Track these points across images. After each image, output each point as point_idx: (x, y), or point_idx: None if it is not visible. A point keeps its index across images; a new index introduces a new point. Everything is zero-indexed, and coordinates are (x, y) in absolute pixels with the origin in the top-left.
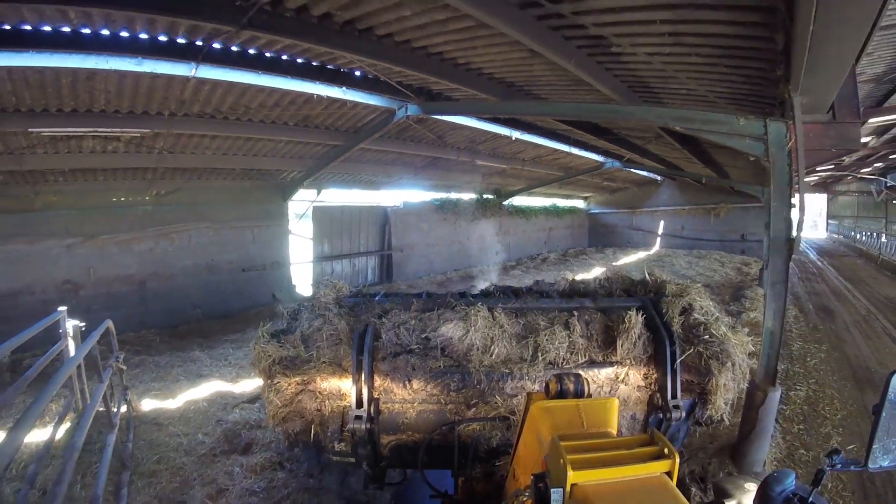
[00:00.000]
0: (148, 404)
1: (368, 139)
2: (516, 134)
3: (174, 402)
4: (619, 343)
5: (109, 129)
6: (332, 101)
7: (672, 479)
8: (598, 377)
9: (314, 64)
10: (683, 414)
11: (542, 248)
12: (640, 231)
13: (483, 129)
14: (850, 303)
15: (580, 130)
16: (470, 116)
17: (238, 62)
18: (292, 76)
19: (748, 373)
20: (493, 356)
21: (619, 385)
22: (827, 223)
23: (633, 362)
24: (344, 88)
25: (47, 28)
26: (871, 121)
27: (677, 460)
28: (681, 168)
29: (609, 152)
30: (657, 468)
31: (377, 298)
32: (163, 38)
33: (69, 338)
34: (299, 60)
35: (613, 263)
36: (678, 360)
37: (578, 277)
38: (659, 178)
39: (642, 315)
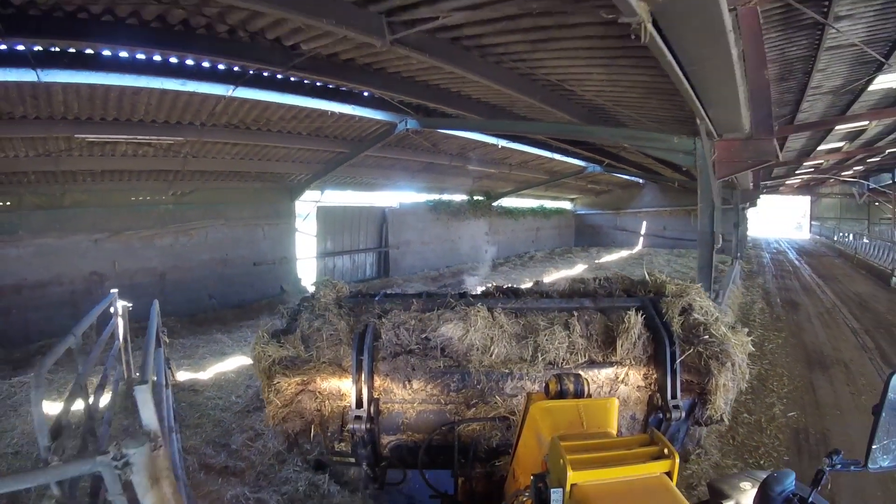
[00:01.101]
0: (182, 376)
1: (372, 147)
2: (503, 143)
3: (205, 374)
4: (618, 343)
5: (146, 137)
6: (343, 115)
7: (672, 479)
8: (597, 377)
9: (330, 86)
10: (683, 414)
11: (529, 247)
12: (624, 231)
13: (473, 138)
14: (818, 298)
15: (557, 141)
16: (461, 130)
17: (269, 85)
18: (312, 96)
19: (747, 373)
20: (493, 356)
21: (618, 385)
22: (811, 224)
23: (633, 362)
24: (353, 106)
25: (107, 52)
26: (838, 127)
27: (677, 460)
28: (658, 172)
29: (590, 157)
30: (657, 468)
31: (377, 299)
32: (206, 65)
33: (119, 317)
34: (318, 83)
35: (596, 261)
36: (678, 361)
37: (563, 274)
38: (641, 181)
39: (642, 315)
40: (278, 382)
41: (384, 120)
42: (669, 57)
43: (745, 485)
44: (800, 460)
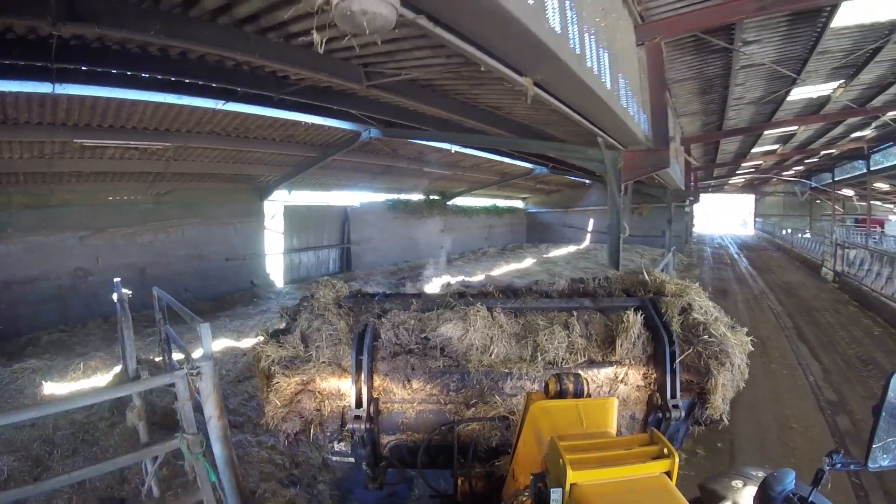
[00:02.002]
0: (175, 356)
1: (339, 153)
2: (456, 148)
3: (195, 354)
4: (618, 343)
5: (138, 143)
6: (314, 124)
7: (672, 479)
8: (597, 377)
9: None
10: (683, 414)
11: (483, 244)
12: (572, 228)
13: (429, 144)
14: (749, 286)
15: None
16: (418, 139)
17: (255, 100)
18: (292, 110)
19: (746, 372)
20: (493, 356)
21: (618, 385)
22: (755, 221)
23: (633, 362)
24: (325, 118)
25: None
26: (767, 133)
27: (676, 460)
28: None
29: (536, 160)
30: (657, 468)
31: (377, 298)
32: (201, 82)
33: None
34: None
35: (545, 256)
36: (677, 360)
37: (513, 268)
38: (587, 181)
39: (641, 315)
40: (277, 382)
41: (350, 129)
42: (558, 104)
43: (737, 483)
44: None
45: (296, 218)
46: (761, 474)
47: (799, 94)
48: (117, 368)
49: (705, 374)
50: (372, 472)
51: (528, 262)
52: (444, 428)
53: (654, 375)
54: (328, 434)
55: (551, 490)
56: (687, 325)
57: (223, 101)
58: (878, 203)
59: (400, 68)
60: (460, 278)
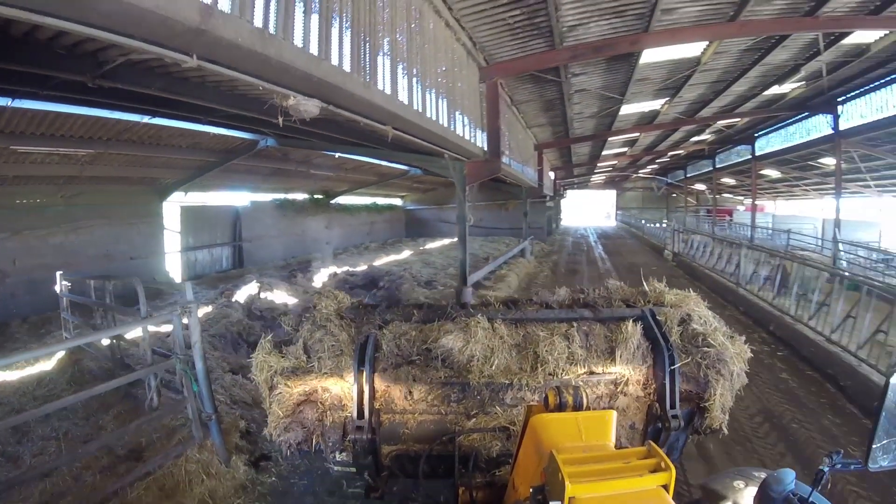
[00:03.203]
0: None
1: (237, 158)
2: (338, 154)
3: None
4: (617, 353)
5: (68, 149)
6: (219, 134)
7: (669, 492)
8: (597, 388)
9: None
10: (682, 423)
11: (365, 239)
12: (447, 223)
13: (314, 150)
14: (598, 267)
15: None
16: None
17: (177, 117)
18: (206, 124)
19: (745, 379)
20: (493, 367)
21: (618, 395)
22: (617, 214)
23: (632, 373)
24: (230, 130)
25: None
26: (612, 139)
27: (674, 473)
28: None
29: (409, 163)
30: (654, 481)
31: (378, 310)
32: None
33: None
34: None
35: (421, 248)
36: (677, 370)
37: (392, 258)
38: None
39: (640, 325)
40: (280, 393)
41: (250, 138)
42: (411, 137)
43: (739, 483)
44: None
45: (191, 218)
46: (763, 475)
47: (629, 109)
48: (59, 355)
49: (704, 385)
50: (373, 482)
51: (406, 254)
52: (445, 438)
53: (654, 386)
54: (330, 444)
55: (550, 503)
56: (686, 335)
57: (149, 116)
58: (730, 195)
59: None
60: (345, 268)
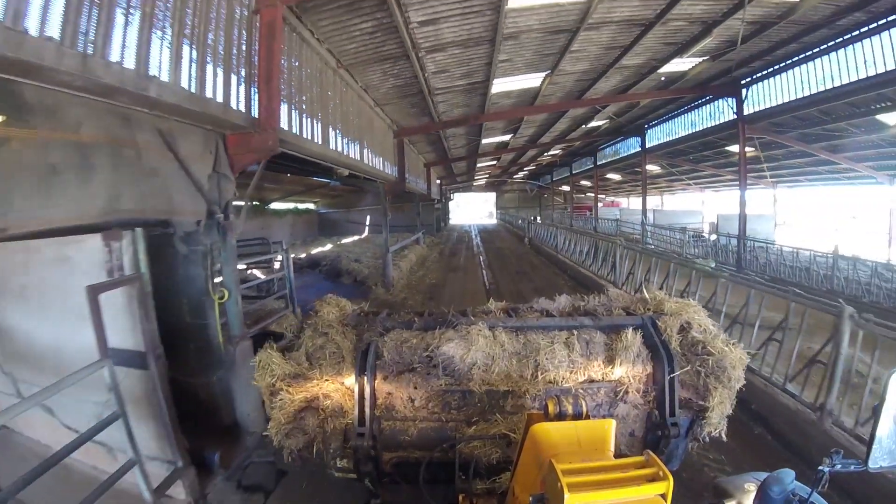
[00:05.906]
0: None
1: None
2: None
3: None
4: (617, 361)
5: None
6: None
7: (667, 501)
8: (597, 395)
9: None
10: (682, 431)
11: (290, 238)
12: (354, 223)
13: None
14: (473, 251)
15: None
16: None
17: None
18: None
19: (744, 384)
20: (494, 374)
21: (618, 403)
22: (497, 212)
23: (632, 380)
24: None
25: None
26: (481, 157)
27: (671, 482)
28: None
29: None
30: (652, 490)
31: (380, 317)
32: None
33: None
34: None
35: (338, 242)
36: (676, 378)
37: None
38: (364, 188)
39: (640, 333)
40: (282, 399)
41: None
42: (362, 174)
43: (750, 486)
44: (426, 301)
45: None
46: None
47: (486, 141)
48: None
49: (704, 392)
50: (374, 489)
51: (328, 247)
52: (446, 445)
53: (654, 393)
54: (331, 451)
55: None
56: (686, 343)
57: None
58: (615, 190)
59: None
60: (291, 255)
